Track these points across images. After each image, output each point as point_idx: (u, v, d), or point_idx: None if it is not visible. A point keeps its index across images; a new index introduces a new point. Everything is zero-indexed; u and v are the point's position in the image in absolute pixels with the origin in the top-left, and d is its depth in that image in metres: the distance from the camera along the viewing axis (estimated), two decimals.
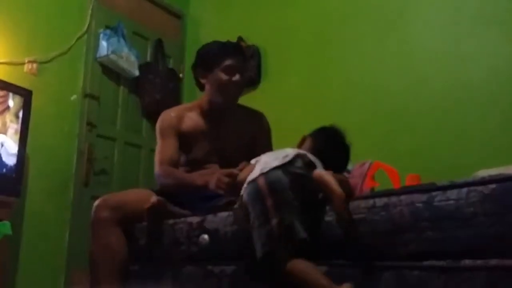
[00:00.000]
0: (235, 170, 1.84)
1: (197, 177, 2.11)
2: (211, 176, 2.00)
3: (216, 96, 2.25)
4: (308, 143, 1.79)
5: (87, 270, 2.05)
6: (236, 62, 2.23)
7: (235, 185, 1.81)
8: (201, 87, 2.33)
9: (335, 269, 1.48)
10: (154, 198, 1.95)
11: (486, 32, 2.85)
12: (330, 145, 1.79)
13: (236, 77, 2.21)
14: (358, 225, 1.46)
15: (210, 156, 2.23)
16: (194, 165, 2.23)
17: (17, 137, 2.72)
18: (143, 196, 2.04)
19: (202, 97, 2.35)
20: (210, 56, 2.25)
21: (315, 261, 1.49)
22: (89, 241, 2.03)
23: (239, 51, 2.32)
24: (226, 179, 1.83)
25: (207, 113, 2.30)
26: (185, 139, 2.26)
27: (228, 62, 2.20)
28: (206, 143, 2.25)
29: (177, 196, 2.11)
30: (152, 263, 1.97)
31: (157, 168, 2.21)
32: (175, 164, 2.22)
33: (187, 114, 2.31)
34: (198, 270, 1.79)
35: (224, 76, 2.20)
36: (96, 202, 2.04)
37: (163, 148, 2.24)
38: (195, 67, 2.33)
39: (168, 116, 2.31)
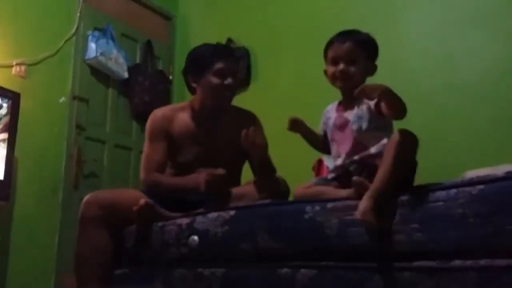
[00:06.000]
0: (219, 170, 1.96)
1: (186, 181, 2.09)
2: (197, 177, 2.01)
3: (208, 100, 2.20)
4: None
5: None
6: (227, 65, 2.18)
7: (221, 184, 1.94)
8: (192, 91, 2.28)
9: (325, 271, 1.48)
10: (142, 201, 1.92)
11: (473, 33, 2.87)
12: None
13: (228, 80, 2.16)
14: (349, 226, 1.47)
15: (200, 160, 2.16)
16: (182, 168, 2.18)
17: (6, 140, 2.70)
18: (133, 197, 2.00)
19: (194, 99, 2.29)
20: (201, 60, 2.19)
21: (305, 262, 1.51)
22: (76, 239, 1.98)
23: (229, 53, 2.27)
24: (216, 179, 1.94)
25: (199, 115, 2.24)
26: (174, 141, 2.21)
27: (219, 65, 2.15)
28: (196, 147, 2.20)
29: (167, 198, 2.09)
30: (142, 266, 1.96)
31: (143, 175, 2.17)
32: (162, 169, 2.18)
33: (178, 115, 2.25)
34: (188, 273, 1.78)
35: (215, 80, 2.15)
36: (85, 198, 1.98)
37: (151, 153, 2.19)
38: (185, 71, 2.27)
39: (158, 117, 2.25)
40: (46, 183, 3.09)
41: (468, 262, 1.25)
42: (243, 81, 3.66)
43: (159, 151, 2.19)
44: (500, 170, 1.41)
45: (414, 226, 1.35)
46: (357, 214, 1.42)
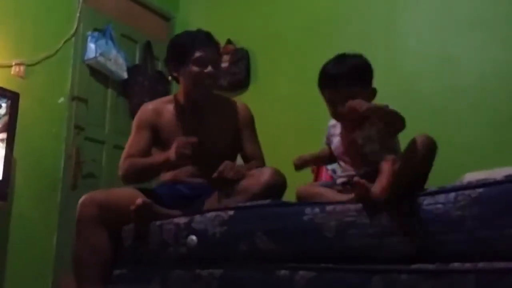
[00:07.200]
0: (191, 138, 1.94)
1: (156, 157, 2.09)
2: (169, 150, 2.00)
3: (190, 90, 2.19)
4: None
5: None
6: (207, 53, 2.14)
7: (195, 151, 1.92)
8: (177, 81, 2.26)
9: (324, 273, 1.48)
10: (139, 200, 1.90)
11: (472, 36, 2.88)
12: None
13: (209, 68, 2.13)
14: (348, 228, 1.46)
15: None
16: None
17: (4, 140, 2.70)
18: (130, 196, 1.97)
19: (179, 90, 2.27)
20: (181, 49, 2.17)
21: (303, 264, 1.50)
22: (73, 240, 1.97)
23: (209, 41, 2.20)
24: (187, 147, 1.91)
25: (184, 106, 2.23)
26: (162, 134, 2.20)
27: (198, 54, 2.12)
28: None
29: (163, 197, 2.08)
30: (140, 266, 1.95)
31: (121, 161, 2.15)
32: (142, 157, 2.15)
33: (166, 108, 2.24)
34: (186, 274, 1.78)
35: (195, 69, 2.12)
36: (82, 199, 1.96)
37: (133, 142, 2.19)
38: (167, 61, 2.28)
39: (146, 109, 2.25)
40: (44, 183, 3.08)
41: (467, 265, 1.25)
42: (243, 83, 3.67)
43: (142, 141, 2.18)
44: (499, 173, 1.41)
45: (413, 228, 1.35)
46: (375, 191, 1.42)
